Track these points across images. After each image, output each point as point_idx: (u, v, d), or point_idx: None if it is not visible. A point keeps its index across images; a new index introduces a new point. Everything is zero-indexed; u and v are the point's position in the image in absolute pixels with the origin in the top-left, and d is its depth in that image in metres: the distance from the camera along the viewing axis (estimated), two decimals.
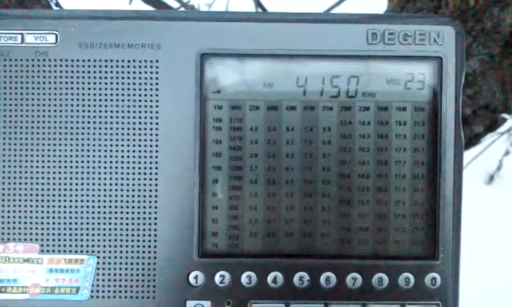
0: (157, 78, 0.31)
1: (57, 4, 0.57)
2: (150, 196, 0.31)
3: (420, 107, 0.32)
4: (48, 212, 0.31)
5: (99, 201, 0.31)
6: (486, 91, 0.70)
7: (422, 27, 0.31)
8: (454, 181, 0.31)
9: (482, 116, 0.71)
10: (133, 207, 0.31)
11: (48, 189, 0.31)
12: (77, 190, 0.31)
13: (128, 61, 0.31)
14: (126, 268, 0.31)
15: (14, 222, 0.31)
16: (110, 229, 0.31)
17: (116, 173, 0.31)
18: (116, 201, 0.31)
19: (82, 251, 0.31)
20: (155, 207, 0.31)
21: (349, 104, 0.32)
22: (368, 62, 0.32)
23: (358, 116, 0.32)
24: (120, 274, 0.31)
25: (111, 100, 0.31)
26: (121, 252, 0.31)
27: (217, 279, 0.31)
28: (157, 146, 0.31)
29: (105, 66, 0.31)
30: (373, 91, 0.32)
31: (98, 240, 0.31)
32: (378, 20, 0.32)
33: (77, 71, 0.31)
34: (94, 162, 0.31)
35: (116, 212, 0.31)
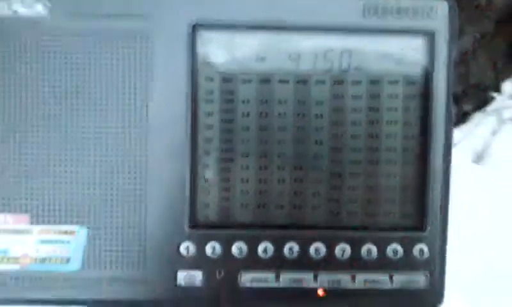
0: (147, 48, 0.31)
1: None
2: (141, 168, 0.31)
3: (412, 81, 0.32)
4: (38, 183, 0.31)
5: (89, 172, 0.31)
6: (477, 69, 0.70)
7: (416, 2, 0.31)
8: (443, 155, 0.32)
9: (473, 95, 0.71)
10: (123, 178, 0.31)
11: (37, 160, 0.31)
12: (66, 161, 0.31)
13: (120, 32, 0.31)
14: (117, 239, 0.31)
15: (3, 193, 0.31)
16: (101, 201, 0.31)
17: (107, 144, 0.31)
18: (106, 172, 0.31)
19: (72, 222, 0.31)
20: (146, 179, 0.31)
21: (342, 78, 0.32)
22: (361, 36, 0.32)
23: (350, 89, 0.32)
24: (111, 245, 0.32)
25: (100, 70, 0.31)
26: (111, 223, 0.31)
27: (208, 249, 0.32)
28: (147, 116, 0.31)
29: (95, 37, 0.31)
30: (365, 65, 0.32)
31: (89, 211, 0.31)
32: None
33: (67, 43, 0.31)
34: (84, 133, 0.31)
35: (106, 183, 0.31)
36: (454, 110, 0.33)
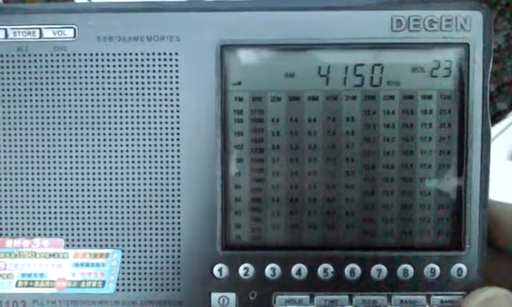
0: (177, 71, 0.31)
1: None
2: (173, 190, 0.31)
3: (447, 95, 0.31)
4: (72, 207, 0.32)
5: (122, 195, 0.31)
6: (511, 67, 0.68)
7: (449, 13, 0.30)
8: (480, 171, 0.31)
9: (507, 93, 0.69)
10: (156, 201, 0.31)
11: (71, 185, 0.32)
12: (100, 185, 0.31)
13: (148, 54, 0.31)
14: (151, 262, 0.32)
15: (39, 218, 0.32)
16: (134, 223, 0.32)
17: (139, 167, 0.31)
18: (139, 195, 0.31)
19: (107, 245, 0.32)
20: (178, 201, 0.31)
21: (373, 93, 0.31)
22: (392, 50, 0.31)
23: (382, 105, 0.31)
24: (145, 267, 0.32)
25: (131, 94, 0.31)
26: (145, 245, 0.32)
27: (241, 271, 0.31)
28: (178, 139, 0.31)
29: (124, 60, 0.31)
30: (398, 80, 0.31)
31: (123, 234, 0.32)
32: (403, 5, 0.31)
33: (96, 66, 0.31)
34: (116, 156, 0.31)
35: (139, 206, 0.31)
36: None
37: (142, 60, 0.31)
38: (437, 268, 0.31)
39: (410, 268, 0.31)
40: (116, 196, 0.31)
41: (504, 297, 0.29)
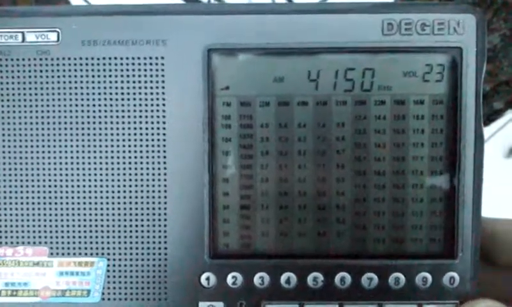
0: (163, 75, 0.30)
1: None
2: (159, 197, 0.31)
3: (439, 100, 0.30)
4: (56, 215, 0.31)
5: (107, 202, 0.31)
6: (507, 66, 0.67)
7: (441, 16, 0.30)
8: (473, 178, 0.30)
9: (503, 92, 0.69)
10: (142, 209, 0.31)
11: (55, 192, 0.31)
12: (84, 192, 0.31)
13: (133, 58, 0.30)
14: (137, 271, 0.31)
15: (23, 226, 0.31)
16: (120, 231, 0.31)
17: (124, 174, 0.31)
18: (124, 203, 0.31)
19: (92, 254, 0.31)
20: (165, 208, 0.31)
21: (364, 98, 0.30)
22: (383, 54, 0.30)
23: (373, 110, 0.30)
24: (131, 276, 0.31)
25: (116, 100, 0.30)
26: (131, 254, 0.31)
27: (229, 280, 0.31)
28: (165, 145, 0.31)
29: (109, 64, 0.30)
30: (389, 84, 0.30)
31: (108, 243, 0.31)
32: (394, 9, 0.30)
33: (81, 70, 0.30)
34: (101, 163, 0.31)
35: (125, 214, 0.31)
36: (483, 108, 0.31)
37: (127, 64, 0.30)
38: (429, 276, 0.30)
39: (402, 276, 0.30)
40: (101, 203, 0.31)
41: None
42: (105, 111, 0.30)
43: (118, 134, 0.30)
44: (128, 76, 0.30)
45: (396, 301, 0.31)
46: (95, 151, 0.31)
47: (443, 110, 0.30)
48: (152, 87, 0.30)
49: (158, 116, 0.30)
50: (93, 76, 0.30)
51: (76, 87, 0.30)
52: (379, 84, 0.30)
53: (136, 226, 0.31)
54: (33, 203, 0.31)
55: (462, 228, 0.30)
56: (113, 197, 0.31)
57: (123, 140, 0.31)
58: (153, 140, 0.31)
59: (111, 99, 0.30)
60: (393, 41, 0.30)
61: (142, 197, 0.31)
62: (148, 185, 0.31)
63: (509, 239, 0.31)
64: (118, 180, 0.31)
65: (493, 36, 0.64)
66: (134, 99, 0.30)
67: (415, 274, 0.30)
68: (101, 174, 0.31)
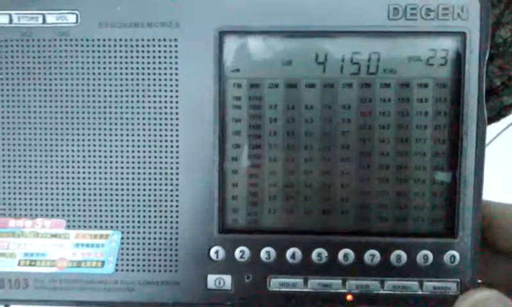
0: (176, 57, 0.32)
1: None
2: (172, 174, 0.32)
3: (443, 83, 0.31)
4: (73, 189, 0.32)
5: (122, 178, 0.32)
6: None
7: (446, 1, 0.30)
8: (475, 160, 0.31)
9: None
10: (155, 185, 0.32)
11: (73, 167, 0.32)
12: (100, 168, 0.32)
13: (148, 40, 0.32)
14: (149, 243, 0.32)
15: (42, 199, 0.33)
16: (133, 206, 0.32)
17: (139, 151, 0.32)
18: (138, 179, 0.32)
19: (107, 227, 0.32)
20: (177, 185, 0.32)
21: (370, 81, 0.31)
22: (389, 38, 0.31)
23: (378, 93, 0.31)
24: (144, 249, 0.32)
25: (131, 80, 0.32)
26: (144, 227, 0.32)
27: (237, 254, 0.32)
28: (177, 124, 0.32)
29: (125, 46, 0.32)
30: (394, 68, 0.31)
31: (122, 216, 0.32)
32: None
33: (98, 51, 0.32)
34: (117, 140, 0.32)
35: (139, 189, 0.32)
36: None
37: (142, 46, 0.32)
38: (430, 254, 0.31)
39: (403, 254, 0.31)
40: (116, 178, 0.32)
41: (496, 299, 0.28)
42: (121, 91, 0.32)
43: (132, 112, 0.32)
44: (143, 57, 0.32)
45: (397, 278, 0.32)
46: (111, 129, 0.32)
47: (446, 94, 0.31)
48: (165, 68, 0.32)
49: (171, 96, 0.32)
50: (109, 57, 0.32)
51: (94, 68, 0.32)
52: (384, 68, 0.31)
53: (149, 201, 0.32)
54: (52, 178, 0.32)
55: (463, 208, 0.31)
56: (128, 173, 0.32)
57: (138, 118, 0.32)
58: (166, 118, 0.32)
59: (126, 79, 0.32)
60: (399, 26, 0.31)
61: (155, 174, 0.32)
62: (161, 162, 0.32)
63: (505, 223, 0.31)
64: (133, 157, 0.32)
65: (504, 30, 0.64)
66: (148, 79, 0.32)
67: (416, 252, 0.31)
68: (116, 151, 0.32)
